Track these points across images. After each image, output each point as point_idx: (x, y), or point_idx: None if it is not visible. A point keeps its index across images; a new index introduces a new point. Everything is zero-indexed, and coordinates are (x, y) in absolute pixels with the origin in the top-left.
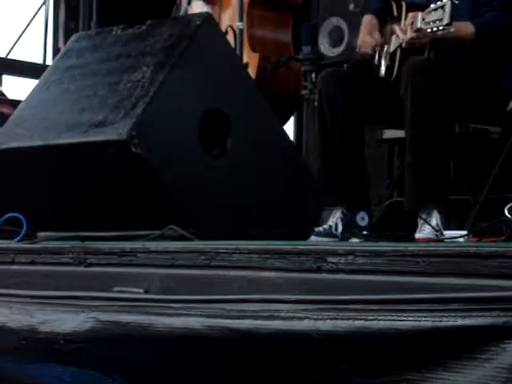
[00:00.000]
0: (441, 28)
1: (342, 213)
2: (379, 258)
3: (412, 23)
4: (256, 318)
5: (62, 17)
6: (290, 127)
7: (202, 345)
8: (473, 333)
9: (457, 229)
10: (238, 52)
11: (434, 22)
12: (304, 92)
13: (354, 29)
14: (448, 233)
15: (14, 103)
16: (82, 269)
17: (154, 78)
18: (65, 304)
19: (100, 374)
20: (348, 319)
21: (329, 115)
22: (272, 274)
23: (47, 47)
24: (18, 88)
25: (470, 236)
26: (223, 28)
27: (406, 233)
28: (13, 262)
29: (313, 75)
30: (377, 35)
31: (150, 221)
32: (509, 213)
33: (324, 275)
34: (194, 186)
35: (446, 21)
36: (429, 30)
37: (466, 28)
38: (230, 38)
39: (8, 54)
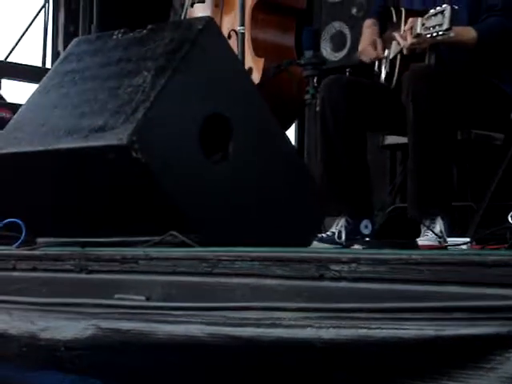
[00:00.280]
0: (440, 33)
1: (346, 221)
2: (382, 266)
3: (411, 29)
4: (258, 325)
5: (61, 20)
6: (291, 132)
7: (203, 352)
8: (477, 342)
9: (460, 235)
10: (239, 56)
11: (434, 27)
12: (306, 97)
13: (357, 33)
14: (451, 239)
15: (14, 107)
16: (83, 276)
17: (155, 83)
18: (66, 311)
19: (101, 381)
20: (351, 327)
21: (331, 122)
22: (274, 282)
23: (47, 50)
24: (18, 92)
25: (473, 243)
26: (226, 32)
27: (409, 239)
28: (14, 269)
29: (315, 80)
30: (379, 46)
31: (150, 226)
32: None
33: (327, 283)
34: (194, 191)
35: (445, 26)
36: (428, 36)
37: (468, 33)
38: (233, 42)
39: (7, 57)
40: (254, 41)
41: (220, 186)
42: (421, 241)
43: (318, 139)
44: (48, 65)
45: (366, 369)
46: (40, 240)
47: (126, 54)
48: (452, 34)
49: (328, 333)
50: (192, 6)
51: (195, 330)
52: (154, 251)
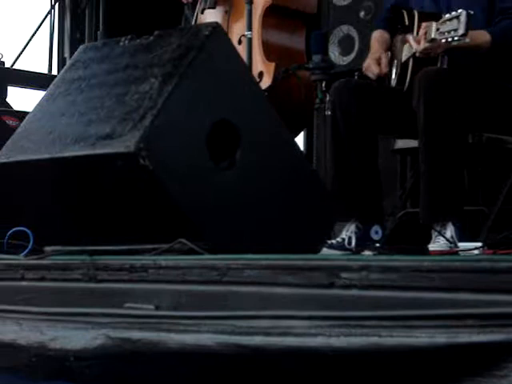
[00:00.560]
0: (456, 39)
1: (356, 227)
2: (393, 273)
3: (426, 33)
4: (268, 334)
5: (67, 27)
6: (300, 136)
7: (212, 361)
8: (489, 349)
9: (471, 240)
10: (247, 61)
11: (449, 32)
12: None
13: (365, 37)
14: (462, 244)
15: (20, 114)
16: (92, 285)
17: (162, 90)
18: (75, 321)
19: None
20: (362, 336)
21: (342, 125)
22: (284, 290)
23: (52, 57)
24: (24, 99)
25: (485, 248)
26: (236, 38)
27: (420, 245)
28: (22, 279)
29: (323, 84)
30: (384, 63)
31: (158, 234)
32: None
33: (337, 291)
34: (202, 199)
35: (461, 31)
36: (443, 41)
37: (482, 36)
38: (244, 47)
39: (13, 64)
40: (264, 45)
41: (228, 193)
42: (432, 247)
43: (328, 143)
44: (54, 71)
45: (377, 377)
46: (47, 248)
47: (133, 61)
48: (467, 40)
49: (339, 341)
50: (202, 12)
51: (205, 338)
52: (163, 260)
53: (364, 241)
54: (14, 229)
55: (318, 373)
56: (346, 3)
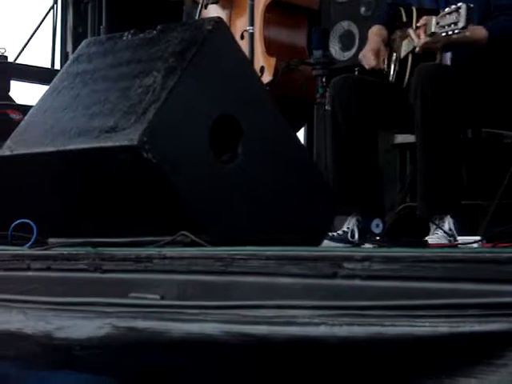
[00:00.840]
0: (456, 32)
1: (357, 220)
2: (396, 263)
3: (425, 27)
4: (272, 323)
5: (70, 21)
6: (300, 131)
7: (217, 351)
8: (490, 338)
9: (470, 234)
10: (249, 57)
11: (449, 25)
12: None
13: (365, 32)
14: (462, 238)
15: (23, 108)
16: (97, 275)
17: (165, 83)
18: (80, 310)
19: (116, 380)
20: (365, 325)
21: (342, 121)
22: (288, 280)
23: (55, 52)
24: (27, 93)
25: (484, 241)
26: (239, 33)
27: (419, 238)
28: (28, 269)
29: (324, 79)
30: (381, 57)
31: (161, 226)
32: None
33: (340, 281)
34: (205, 191)
35: (461, 24)
36: (443, 34)
37: (480, 32)
38: (247, 42)
39: (16, 58)
40: (266, 40)
41: (230, 187)
42: (431, 239)
43: (328, 138)
44: (57, 66)
45: (380, 366)
46: (52, 240)
47: (136, 55)
48: (468, 33)
49: (342, 330)
50: (206, 7)
51: (210, 328)
52: (168, 250)
53: (365, 234)
54: (18, 221)
55: (322, 362)
56: None
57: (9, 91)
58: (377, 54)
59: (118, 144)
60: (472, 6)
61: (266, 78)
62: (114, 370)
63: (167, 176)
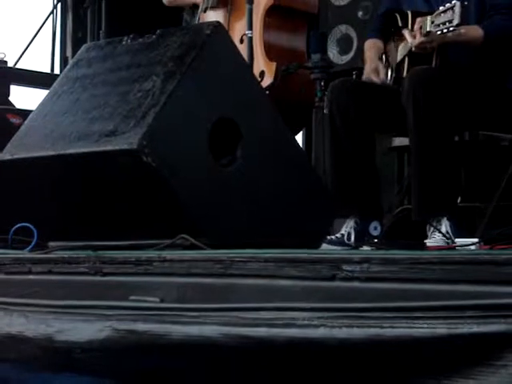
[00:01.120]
0: (451, 29)
1: (355, 222)
2: (394, 265)
3: (421, 27)
4: (271, 326)
5: (69, 26)
6: (299, 135)
7: (217, 353)
8: (488, 339)
9: (468, 236)
10: (248, 61)
11: (444, 23)
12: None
13: (363, 36)
14: (459, 240)
15: (23, 113)
16: (98, 278)
17: (164, 88)
18: (81, 313)
19: (116, 382)
20: (363, 327)
21: (340, 124)
22: (287, 282)
23: (55, 56)
24: (26, 98)
25: (482, 243)
26: (238, 37)
27: (417, 240)
28: (29, 272)
29: (322, 83)
30: (382, 72)
31: (160, 229)
32: None
33: (339, 283)
34: (204, 195)
35: (456, 21)
36: (439, 33)
37: (475, 31)
38: (245, 46)
39: (16, 63)
40: (266, 45)
41: (229, 190)
42: (429, 242)
43: (326, 141)
44: (56, 71)
45: (379, 367)
46: (52, 244)
47: (136, 59)
48: (462, 31)
49: (341, 332)
50: (205, 11)
51: (209, 330)
52: (167, 253)
53: (363, 236)
54: (19, 225)
55: (321, 364)
56: (344, 3)
57: (8, 96)
58: (377, 72)
59: (117, 148)
60: (466, 3)
61: (267, 81)
62: (115, 373)
63: (167, 179)
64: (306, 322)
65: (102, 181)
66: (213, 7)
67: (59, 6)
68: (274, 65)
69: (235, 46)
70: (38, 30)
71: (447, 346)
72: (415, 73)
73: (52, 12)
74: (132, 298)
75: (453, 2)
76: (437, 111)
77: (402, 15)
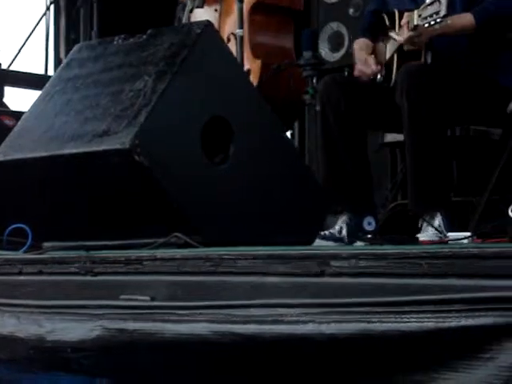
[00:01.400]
0: (438, 21)
1: (349, 218)
2: (382, 260)
3: (408, 22)
4: (261, 322)
5: (62, 28)
6: (294, 132)
7: (208, 350)
8: (476, 332)
9: (461, 230)
10: (239, 59)
11: (431, 15)
12: (305, 97)
13: (354, 33)
14: (452, 234)
15: (17, 115)
16: (88, 278)
17: (156, 87)
18: (72, 313)
19: (108, 381)
20: (352, 322)
21: (332, 120)
22: (276, 279)
23: (48, 58)
24: (20, 99)
25: (474, 237)
26: (225, 35)
27: (411, 235)
28: (20, 273)
29: (314, 80)
30: (372, 62)
31: (154, 229)
32: None
33: (328, 279)
34: (197, 194)
35: (443, 12)
36: (426, 25)
37: (464, 17)
38: (233, 45)
39: (10, 65)
40: (251, 42)
41: (222, 188)
42: (422, 237)
43: (318, 138)
44: (50, 72)
45: (368, 362)
46: (46, 244)
47: (127, 59)
48: (449, 21)
49: (330, 328)
50: (191, 11)
51: (200, 328)
52: (157, 252)
53: (356, 232)
54: (13, 226)
55: (311, 359)
56: (335, 0)
57: (3, 98)
58: (367, 64)
59: (110, 148)
60: None
61: (252, 80)
62: (106, 372)
63: (159, 179)
64: (295, 319)
65: (95, 181)
66: (198, 7)
67: (52, 7)
68: (259, 63)
69: (226, 45)
70: (32, 32)
71: (435, 339)
72: (407, 69)
73: (45, 13)
74: (123, 297)
75: None
76: (430, 107)
77: (389, 15)
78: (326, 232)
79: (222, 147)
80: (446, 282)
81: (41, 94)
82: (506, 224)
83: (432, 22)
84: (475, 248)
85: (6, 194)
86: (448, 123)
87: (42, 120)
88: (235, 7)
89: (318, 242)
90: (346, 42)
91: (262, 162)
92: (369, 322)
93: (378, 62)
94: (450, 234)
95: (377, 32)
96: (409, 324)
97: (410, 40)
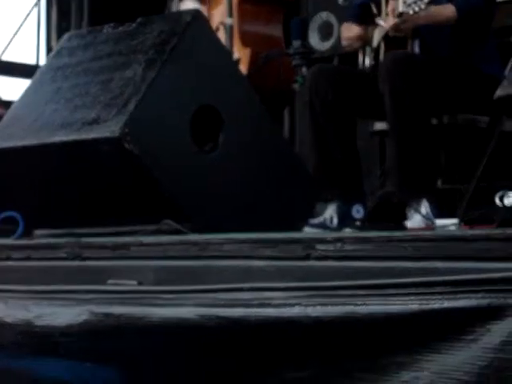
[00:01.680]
0: (422, 7)
1: (338, 206)
2: (367, 244)
3: (393, 10)
4: (248, 306)
5: (54, 17)
6: (284, 121)
7: (195, 334)
8: (459, 315)
9: (448, 218)
10: (228, 48)
11: (415, 2)
12: (295, 86)
13: (343, 23)
14: (440, 221)
15: (8, 104)
16: (76, 263)
17: (146, 75)
18: (60, 298)
19: (96, 365)
20: (337, 305)
21: (320, 109)
22: (262, 263)
23: (40, 48)
24: (12, 89)
25: (462, 224)
26: (214, 24)
27: (399, 223)
28: (8, 258)
29: (303, 69)
30: (356, 29)
31: (145, 216)
32: (499, 200)
33: (313, 262)
34: (187, 181)
35: None
36: (411, 12)
37: (446, 8)
38: (222, 34)
39: (1, 55)
40: (240, 31)
41: (212, 176)
42: (410, 223)
43: (307, 128)
44: (41, 62)
45: (353, 344)
46: (37, 232)
47: (117, 48)
48: (433, 9)
49: (315, 311)
50: (181, 0)
51: (187, 312)
52: (144, 237)
53: (345, 220)
54: (4, 214)
55: (297, 342)
56: None
57: None
58: (351, 30)
59: (99, 136)
60: None
61: (242, 69)
62: (94, 356)
63: (149, 167)
64: (281, 302)
65: (85, 169)
66: None
67: None
68: (248, 51)
69: (215, 34)
70: (23, 22)
71: (419, 321)
72: (391, 57)
73: (37, 3)
74: (110, 281)
75: None
76: (413, 94)
77: (376, 4)
78: (315, 220)
79: (212, 136)
80: (429, 265)
81: (31, 83)
82: (493, 211)
83: (416, 9)
84: (457, 231)
85: None
86: (433, 111)
87: (32, 108)
88: None
89: (306, 230)
90: (336, 32)
91: (251, 150)
92: (354, 305)
93: (364, 48)
94: (437, 220)
95: (364, 20)
96: (393, 306)
97: (395, 27)
